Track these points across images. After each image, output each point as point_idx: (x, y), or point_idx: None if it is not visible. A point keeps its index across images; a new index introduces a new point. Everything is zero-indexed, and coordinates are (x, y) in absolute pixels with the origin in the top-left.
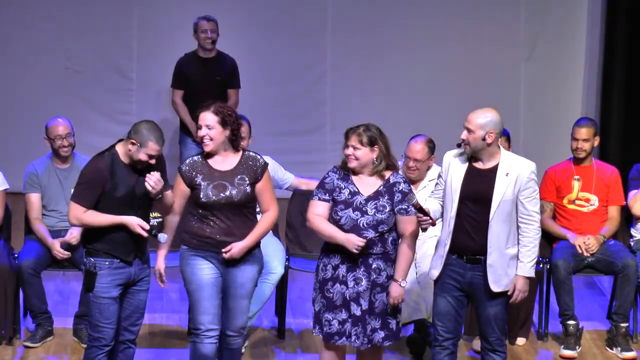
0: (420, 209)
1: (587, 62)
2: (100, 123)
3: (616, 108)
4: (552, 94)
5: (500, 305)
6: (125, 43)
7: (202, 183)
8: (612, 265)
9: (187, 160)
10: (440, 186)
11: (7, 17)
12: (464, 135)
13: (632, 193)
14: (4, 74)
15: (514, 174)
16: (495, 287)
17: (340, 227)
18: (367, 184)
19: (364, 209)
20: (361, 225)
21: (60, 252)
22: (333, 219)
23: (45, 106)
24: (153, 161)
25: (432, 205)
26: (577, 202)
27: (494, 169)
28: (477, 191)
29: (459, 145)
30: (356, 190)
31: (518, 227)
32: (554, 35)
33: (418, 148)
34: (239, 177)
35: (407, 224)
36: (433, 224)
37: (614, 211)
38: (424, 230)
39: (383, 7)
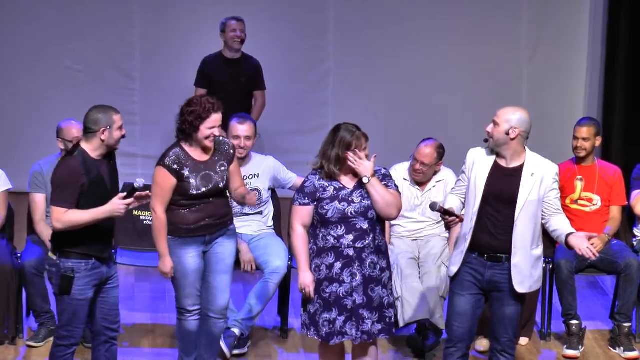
0: (445, 212)
1: (589, 62)
2: None
3: (619, 108)
4: (554, 94)
5: (517, 305)
6: (128, 42)
7: (190, 175)
8: (615, 265)
9: (171, 154)
10: (462, 182)
11: (10, 17)
12: (490, 128)
13: (634, 193)
14: (7, 73)
15: (539, 175)
16: (519, 288)
17: (327, 220)
18: (350, 179)
19: (349, 199)
20: (349, 213)
21: None
22: (319, 214)
23: (48, 106)
24: (124, 131)
25: (453, 203)
26: (580, 202)
27: (519, 169)
28: (502, 190)
29: (485, 141)
30: (341, 186)
31: (546, 221)
32: (557, 35)
33: (427, 152)
34: (219, 164)
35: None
36: (461, 221)
37: (616, 211)
38: (449, 229)
39: (386, 7)
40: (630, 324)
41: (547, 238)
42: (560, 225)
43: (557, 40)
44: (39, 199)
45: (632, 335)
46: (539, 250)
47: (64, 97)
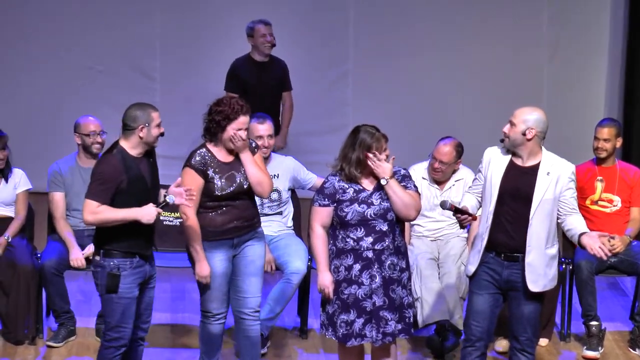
0: (456, 210)
1: (610, 62)
2: None
3: (639, 109)
4: (574, 94)
5: (535, 304)
6: (148, 42)
7: (215, 176)
8: (635, 266)
9: (196, 155)
10: (479, 181)
11: (29, 16)
12: (506, 128)
13: None
14: (27, 73)
15: (555, 174)
16: (533, 287)
17: (347, 223)
18: (370, 182)
19: (369, 201)
20: (368, 216)
21: (77, 260)
22: (338, 216)
23: (68, 106)
24: (163, 129)
25: (469, 201)
26: (600, 202)
27: (535, 168)
28: (517, 188)
29: (502, 141)
30: (361, 188)
31: (562, 220)
32: (577, 35)
33: (445, 150)
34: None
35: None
36: (474, 219)
37: (636, 212)
38: (463, 227)
39: (405, 7)
40: None
41: (567, 239)
42: (575, 224)
43: (578, 39)
44: (58, 197)
45: None
46: (554, 250)
47: (84, 97)
